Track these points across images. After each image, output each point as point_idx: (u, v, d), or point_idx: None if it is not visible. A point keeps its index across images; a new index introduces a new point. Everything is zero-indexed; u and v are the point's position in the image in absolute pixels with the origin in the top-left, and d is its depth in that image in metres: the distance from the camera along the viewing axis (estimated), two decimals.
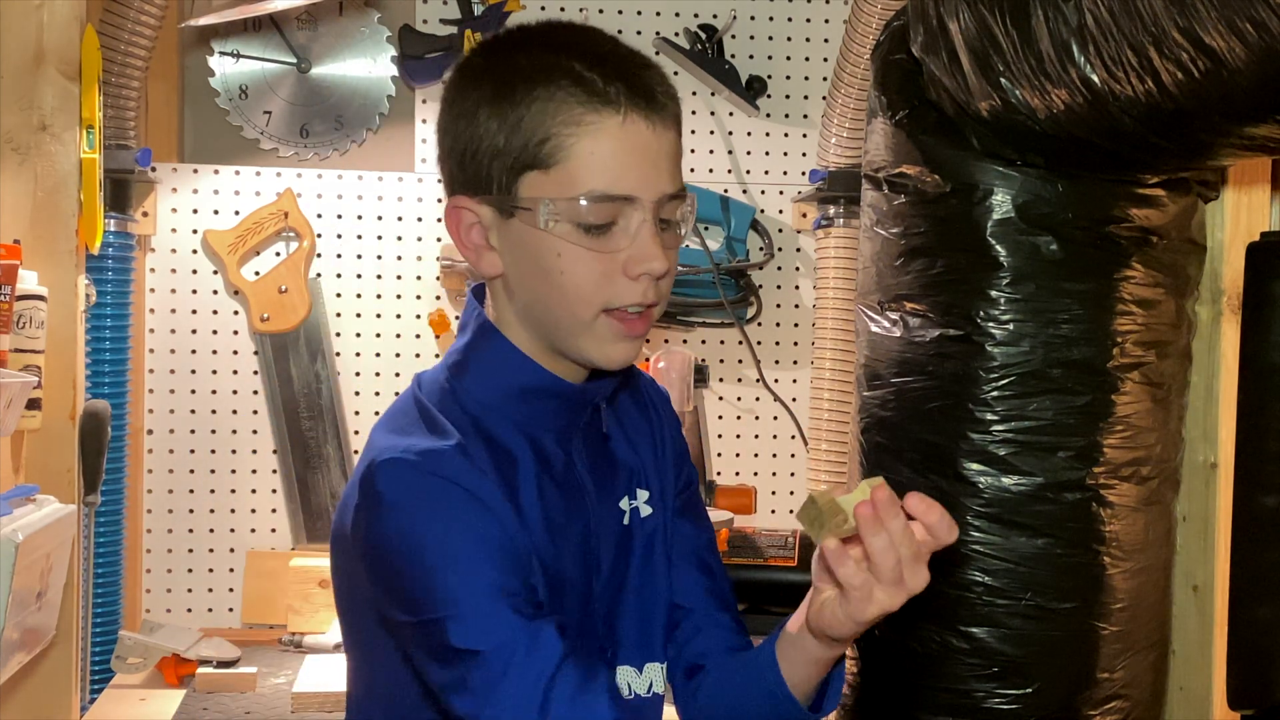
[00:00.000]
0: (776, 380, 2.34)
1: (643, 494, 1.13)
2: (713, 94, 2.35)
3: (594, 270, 0.99)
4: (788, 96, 2.37)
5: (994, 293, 1.38)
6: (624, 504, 1.11)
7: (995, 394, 1.38)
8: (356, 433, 2.25)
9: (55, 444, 1.76)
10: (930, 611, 1.41)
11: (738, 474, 2.34)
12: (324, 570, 2.04)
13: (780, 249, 2.35)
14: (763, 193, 2.36)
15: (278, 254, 2.23)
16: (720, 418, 2.34)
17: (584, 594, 1.08)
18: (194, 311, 2.22)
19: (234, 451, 2.22)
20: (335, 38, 2.26)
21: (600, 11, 2.31)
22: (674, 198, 1.02)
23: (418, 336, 2.27)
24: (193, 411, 2.21)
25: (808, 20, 2.37)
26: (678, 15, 2.32)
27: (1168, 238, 1.41)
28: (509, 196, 1.00)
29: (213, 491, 2.23)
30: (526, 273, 1.02)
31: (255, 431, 2.23)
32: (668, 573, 1.14)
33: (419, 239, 2.27)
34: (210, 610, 2.22)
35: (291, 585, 2.09)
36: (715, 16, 2.32)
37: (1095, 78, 1.19)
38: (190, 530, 2.23)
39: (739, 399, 2.36)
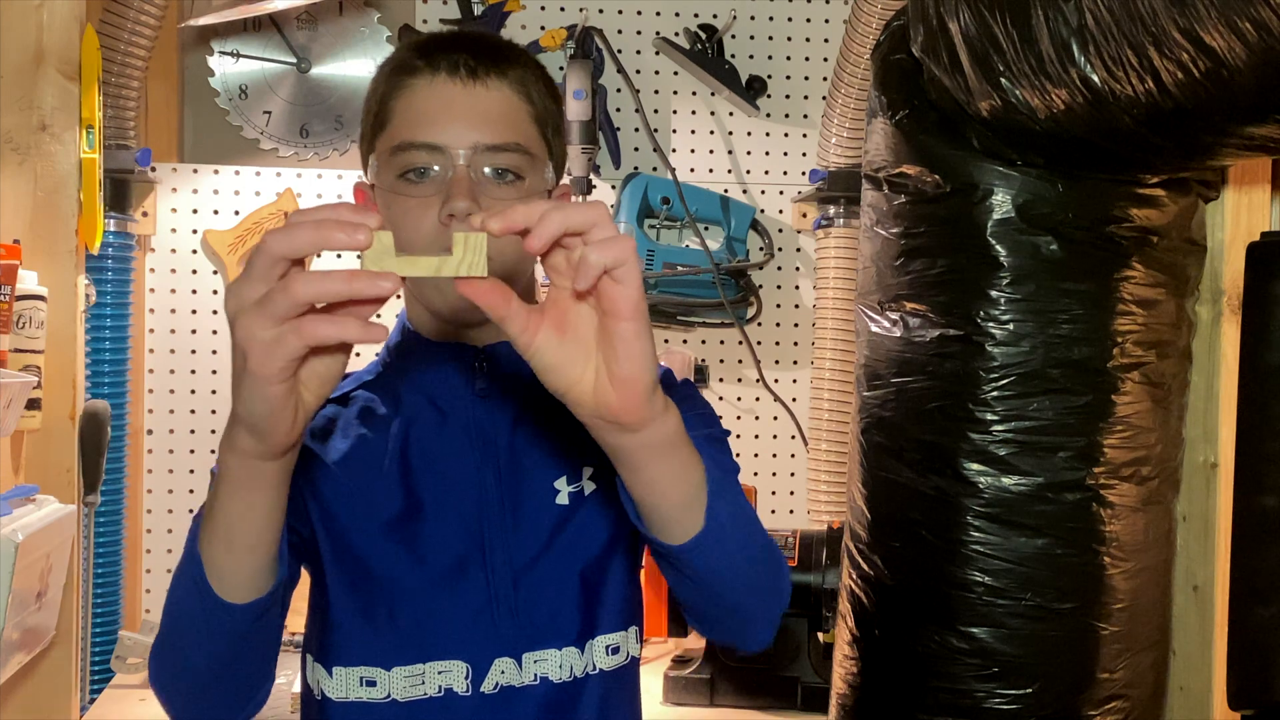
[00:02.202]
0: (776, 380, 2.34)
1: (587, 470, 1.12)
2: (713, 94, 2.35)
3: (419, 219, 1.04)
4: (788, 96, 2.37)
5: (994, 293, 1.38)
6: (560, 483, 1.11)
7: (995, 394, 1.38)
8: None
9: (55, 444, 1.75)
10: (930, 611, 1.41)
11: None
12: None
13: (780, 249, 2.35)
14: (763, 193, 2.36)
15: None
16: (720, 418, 2.34)
17: (479, 568, 1.08)
18: (194, 311, 2.22)
19: None
20: (335, 38, 2.26)
21: (600, 11, 2.31)
22: (497, 150, 1.05)
23: None
24: (193, 411, 2.21)
25: (808, 20, 2.37)
26: (678, 15, 2.32)
27: (1168, 238, 1.41)
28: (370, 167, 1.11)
29: None
30: None
31: None
32: (610, 548, 1.11)
33: None
34: None
35: None
36: (715, 16, 2.32)
37: (1095, 78, 1.19)
38: None
39: (739, 399, 2.36)
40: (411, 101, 1.07)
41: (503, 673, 1.07)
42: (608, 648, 1.11)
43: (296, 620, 2.10)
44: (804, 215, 2.34)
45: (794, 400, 2.33)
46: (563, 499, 1.11)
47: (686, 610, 1.02)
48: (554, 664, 1.08)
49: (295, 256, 0.76)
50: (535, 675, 1.08)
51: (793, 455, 2.36)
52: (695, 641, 1.97)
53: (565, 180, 1.18)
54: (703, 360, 2.25)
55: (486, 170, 1.04)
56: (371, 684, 1.07)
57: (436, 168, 1.04)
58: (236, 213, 2.22)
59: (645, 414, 0.81)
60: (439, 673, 1.07)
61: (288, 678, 1.90)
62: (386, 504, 1.09)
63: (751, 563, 0.96)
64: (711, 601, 0.98)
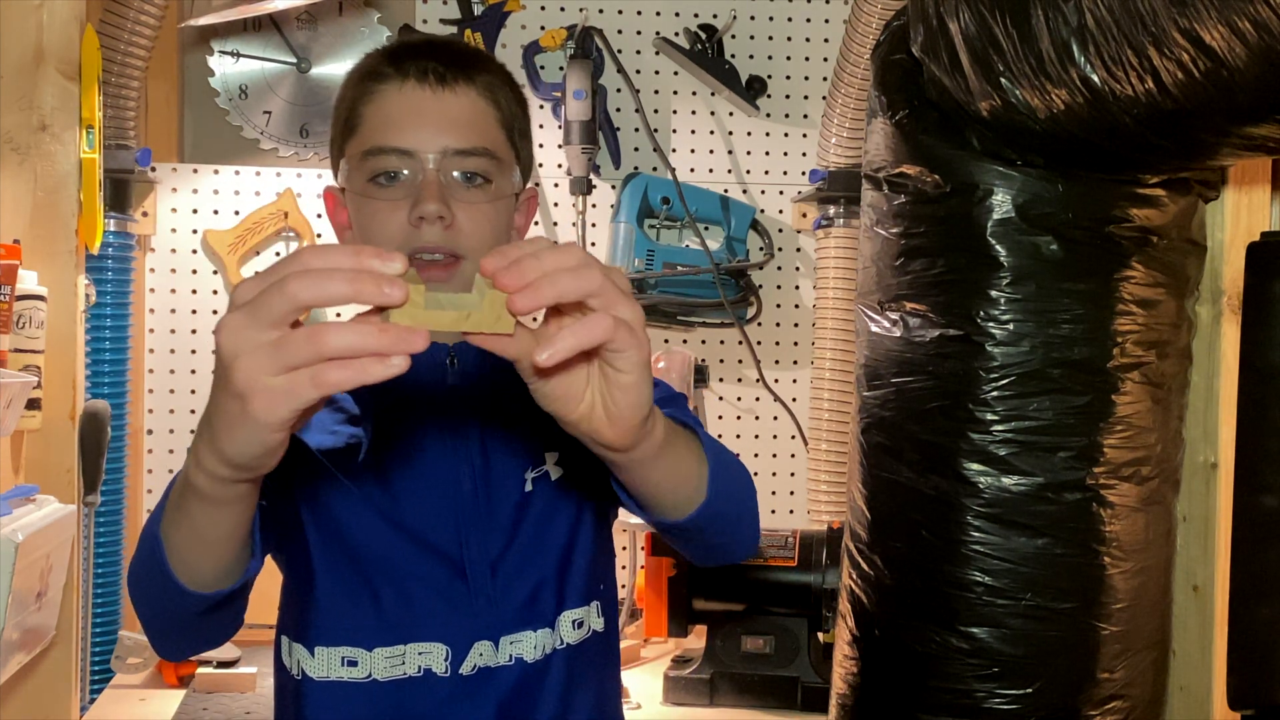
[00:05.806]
0: (776, 380, 2.34)
1: (551, 456, 1.14)
2: (713, 94, 2.35)
3: (387, 220, 1.07)
4: (788, 96, 2.37)
5: (994, 293, 1.38)
6: (529, 474, 1.13)
7: (995, 394, 1.38)
8: None
9: (55, 444, 1.75)
10: (930, 611, 1.41)
11: None
12: None
13: (780, 249, 2.35)
14: (763, 193, 2.36)
15: (278, 254, 2.23)
16: (720, 418, 2.34)
17: (456, 561, 1.10)
18: (194, 311, 2.22)
19: None
20: (335, 37, 2.26)
21: (600, 11, 2.31)
22: (466, 154, 1.08)
23: None
24: (193, 411, 2.21)
25: (808, 20, 2.37)
26: (678, 15, 2.32)
27: (1168, 238, 1.41)
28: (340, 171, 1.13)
29: None
30: (357, 238, 1.12)
31: None
32: (575, 528, 1.14)
33: None
34: None
35: None
36: (715, 16, 2.32)
37: (1095, 78, 1.19)
38: None
39: (739, 399, 2.36)
40: (381, 107, 1.09)
41: (480, 655, 1.10)
42: (573, 622, 1.14)
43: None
44: (804, 215, 2.34)
45: (794, 400, 2.33)
46: (530, 486, 1.13)
47: (687, 553, 1.07)
48: (529, 645, 1.11)
49: (321, 306, 0.70)
50: (511, 656, 1.10)
51: (793, 455, 2.36)
52: (695, 641, 1.97)
53: (532, 185, 1.20)
54: (703, 360, 2.25)
55: (455, 174, 1.07)
56: (353, 664, 1.09)
57: (406, 172, 1.07)
58: (236, 213, 2.22)
59: (635, 440, 0.82)
60: (419, 654, 1.09)
61: None
62: (366, 497, 1.11)
63: (737, 497, 1.01)
64: (712, 543, 1.03)
